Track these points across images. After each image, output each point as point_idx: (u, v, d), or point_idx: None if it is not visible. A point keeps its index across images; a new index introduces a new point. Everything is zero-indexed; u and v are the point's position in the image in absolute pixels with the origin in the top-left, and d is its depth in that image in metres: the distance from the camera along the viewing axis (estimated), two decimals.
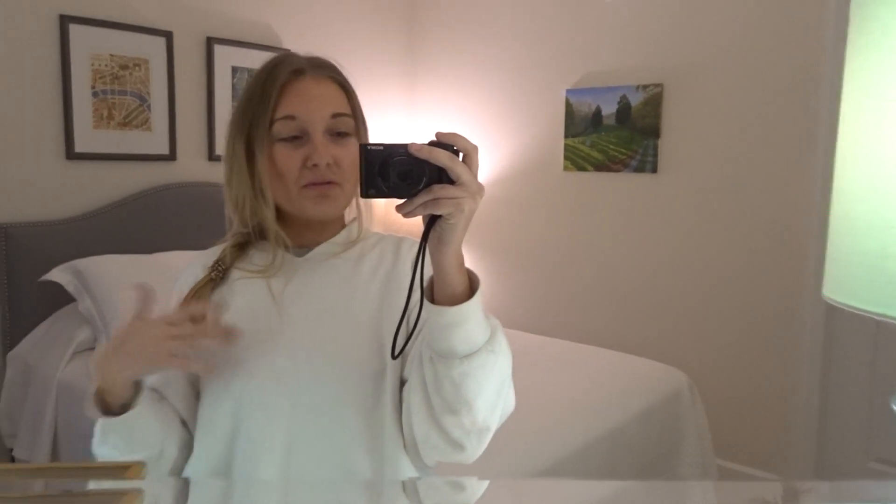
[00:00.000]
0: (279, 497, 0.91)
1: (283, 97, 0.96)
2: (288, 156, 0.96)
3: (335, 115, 0.98)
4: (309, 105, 0.96)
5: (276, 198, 0.99)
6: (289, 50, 1.05)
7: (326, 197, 0.97)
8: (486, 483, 0.81)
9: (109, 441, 0.93)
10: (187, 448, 1.00)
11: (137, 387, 0.92)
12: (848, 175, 0.62)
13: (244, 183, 0.99)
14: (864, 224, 0.58)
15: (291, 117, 0.96)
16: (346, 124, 0.99)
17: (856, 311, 0.58)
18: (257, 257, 1.04)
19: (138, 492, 0.56)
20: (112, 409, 0.91)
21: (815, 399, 2.65)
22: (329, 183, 0.97)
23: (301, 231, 1.04)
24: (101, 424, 0.91)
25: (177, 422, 0.99)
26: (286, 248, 1.03)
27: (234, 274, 1.04)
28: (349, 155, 0.98)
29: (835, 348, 2.61)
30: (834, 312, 2.56)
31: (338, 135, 0.98)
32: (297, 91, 0.97)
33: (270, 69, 0.98)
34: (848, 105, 0.63)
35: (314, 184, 0.96)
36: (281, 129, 0.96)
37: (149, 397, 0.94)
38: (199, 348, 0.87)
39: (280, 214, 1.02)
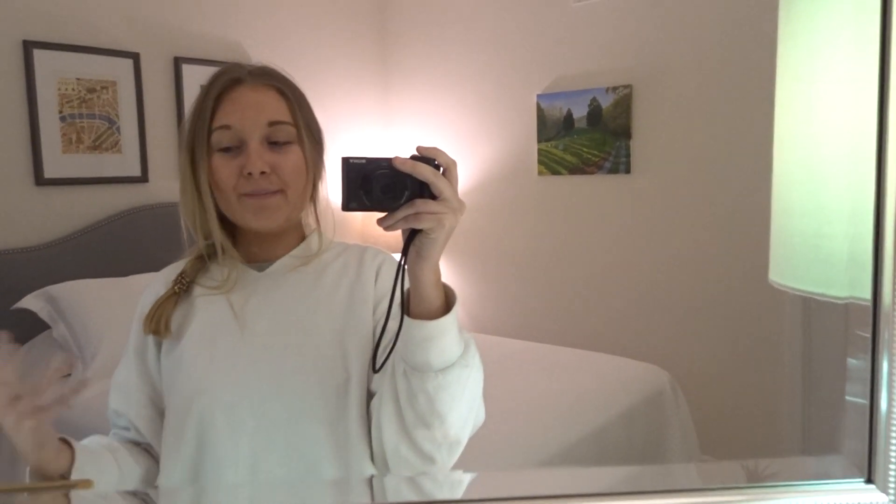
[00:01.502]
0: (246, 499, 0.90)
1: (220, 107, 0.95)
2: (224, 166, 0.95)
3: (272, 123, 0.96)
4: (244, 114, 0.95)
5: (221, 209, 0.98)
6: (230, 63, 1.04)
7: (265, 208, 0.95)
8: (468, 476, 0.81)
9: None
10: (151, 473, 0.99)
11: (71, 452, 0.90)
12: (784, 159, 0.63)
13: (191, 196, 0.98)
14: (799, 207, 0.59)
15: (227, 127, 0.95)
16: (285, 132, 0.97)
17: (797, 293, 0.59)
18: (217, 272, 1.03)
19: (88, 481, 0.56)
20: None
21: (798, 391, 2.67)
22: (272, 193, 0.96)
23: (259, 244, 1.03)
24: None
25: (128, 461, 0.98)
26: (245, 262, 1.02)
27: (196, 290, 1.03)
28: (289, 162, 0.96)
29: (814, 335, 2.63)
30: (811, 302, 2.58)
31: (275, 143, 0.97)
32: (233, 100, 0.96)
33: (212, 80, 0.98)
34: (781, 90, 0.64)
35: (251, 195, 0.95)
36: (218, 139, 0.95)
37: (90, 455, 0.92)
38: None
39: (236, 227, 1.01)
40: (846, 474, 0.53)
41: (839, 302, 0.54)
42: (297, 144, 0.98)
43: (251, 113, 0.95)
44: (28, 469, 0.87)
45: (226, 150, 0.96)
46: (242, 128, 0.95)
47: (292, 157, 0.97)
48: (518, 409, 2.08)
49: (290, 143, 0.98)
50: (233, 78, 0.97)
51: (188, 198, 0.99)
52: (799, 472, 0.64)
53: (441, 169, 0.75)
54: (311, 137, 1.01)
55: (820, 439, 2.60)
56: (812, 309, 2.56)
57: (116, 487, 0.94)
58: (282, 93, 0.99)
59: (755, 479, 0.71)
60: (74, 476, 0.87)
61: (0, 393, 0.81)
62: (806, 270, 0.58)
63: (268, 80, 0.99)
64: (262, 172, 0.94)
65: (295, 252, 1.04)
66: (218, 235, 0.98)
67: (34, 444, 0.84)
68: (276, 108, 0.98)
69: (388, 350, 0.86)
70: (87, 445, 0.94)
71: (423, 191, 0.74)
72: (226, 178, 0.95)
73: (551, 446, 1.96)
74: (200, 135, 0.95)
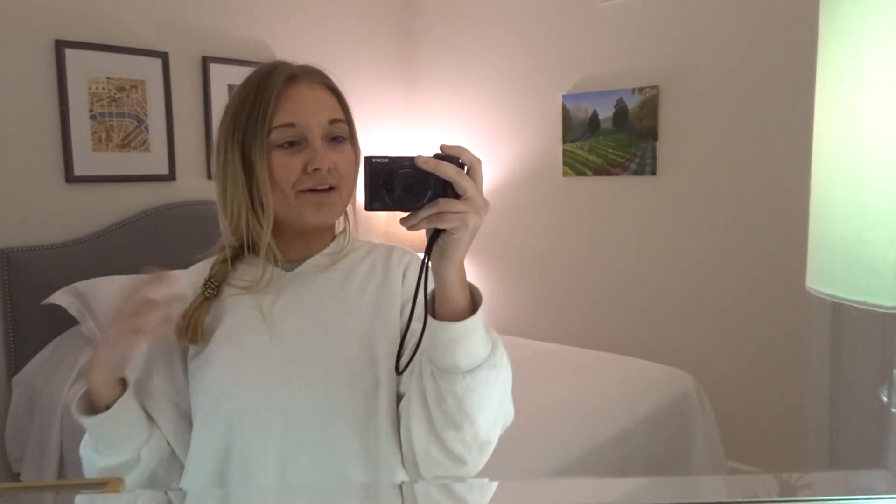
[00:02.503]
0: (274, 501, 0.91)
1: (280, 104, 0.95)
2: (287, 162, 0.95)
3: (332, 121, 0.98)
4: (307, 111, 0.96)
5: (273, 207, 0.97)
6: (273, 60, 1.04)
7: (325, 204, 0.97)
8: (494, 485, 0.81)
9: (92, 442, 0.95)
10: (167, 462, 0.99)
11: (124, 388, 0.94)
12: (824, 163, 0.61)
13: (241, 194, 0.97)
14: (841, 211, 0.57)
15: (291, 125, 0.95)
16: (342, 130, 0.99)
17: (837, 301, 0.57)
18: (247, 272, 1.03)
19: (119, 480, 0.57)
20: (99, 410, 0.92)
21: (825, 396, 2.62)
22: (329, 190, 0.96)
23: (291, 244, 1.02)
24: (87, 424, 0.93)
25: (158, 433, 0.99)
26: (275, 262, 1.02)
27: (226, 290, 1.03)
28: (345, 160, 0.98)
29: (843, 344, 2.58)
30: (840, 307, 2.54)
31: (334, 140, 0.98)
32: (294, 97, 0.96)
33: (263, 75, 0.98)
34: (822, 92, 0.62)
35: (314, 190, 0.96)
36: (280, 136, 0.95)
37: (135, 401, 0.95)
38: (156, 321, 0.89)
39: (272, 227, 1.00)
40: (891, 490, 0.51)
41: (883, 311, 0.53)
42: (350, 142, 1.00)
43: (313, 110, 0.96)
44: (79, 398, 0.93)
45: (285, 146, 0.96)
46: (306, 125, 0.96)
47: (347, 155, 0.99)
48: (541, 413, 2.06)
49: (345, 140, 1.00)
50: (289, 76, 0.97)
51: (235, 196, 0.98)
52: (838, 487, 0.62)
53: (465, 168, 0.74)
54: (355, 134, 1.03)
55: (849, 449, 2.55)
56: (842, 315, 2.52)
57: (138, 450, 0.95)
58: (333, 91, 1.01)
59: (788, 492, 0.69)
60: (117, 407, 0.92)
61: (136, 305, 0.87)
62: (847, 278, 0.56)
63: (319, 78, 1.01)
64: (328, 169, 0.95)
65: (325, 251, 1.04)
66: (267, 237, 0.98)
67: (121, 360, 0.91)
68: (332, 106, 1.00)
69: (411, 353, 0.86)
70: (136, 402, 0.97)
71: (447, 190, 0.73)
72: (288, 175, 0.95)
73: (574, 450, 1.95)
74: (258, 132, 0.95)
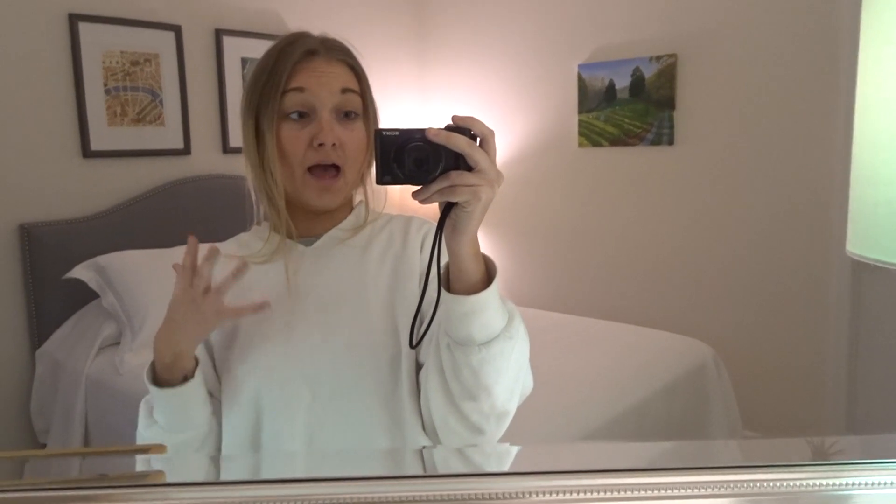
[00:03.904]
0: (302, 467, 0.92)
1: (294, 74, 0.95)
2: (294, 136, 0.95)
3: (344, 91, 0.97)
4: (319, 79, 0.95)
5: (283, 184, 0.98)
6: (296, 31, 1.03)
7: (328, 190, 0.97)
8: (515, 449, 0.81)
9: (160, 419, 0.94)
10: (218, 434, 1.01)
11: (195, 363, 0.94)
12: (868, 125, 0.60)
13: (255, 165, 0.98)
14: (887, 173, 0.56)
15: (300, 89, 0.94)
16: (354, 102, 0.98)
17: (883, 265, 0.57)
18: (257, 244, 1.04)
19: (161, 446, 0.58)
20: (174, 384, 0.92)
21: (843, 363, 2.61)
22: (333, 173, 0.96)
23: (309, 217, 1.03)
24: (157, 398, 0.92)
25: (215, 415, 0.99)
26: (292, 236, 1.02)
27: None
28: (354, 139, 0.97)
29: (862, 309, 2.57)
30: (860, 272, 2.52)
31: (345, 115, 0.97)
32: (309, 69, 0.96)
33: (283, 47, 0.97)
34: (866, 53, 0.61)
35: (318, 167, 0.95)
36: (290, 102, 0.95)
37: (200, 379, 0.95)
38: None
39: (287, 201, 1.00)
40: None
41: None
42: (363, 119, 0.99)
43: (325, 79, 0.96)
44: (148, 371, 0.93)
45: (294, 119, 0.95)
46: (317, 93, 0.95)
47: (357, 134, 0.98)
48: (559, 383, 2.07)
49: (357, 117, 0.98)
50: (308, 49, 0.97)
51: (251, 167, 0.99)
52: (869, 451, 0.62)
53: (478, 139, 0.73)
54: (373, 112, 1.02)
55: (868, 415, 2.55)
56: (862, 282, 2.50)
57: (208, 421, 0.97)
58: (352, 68, 1.00)
59: (821, 457, 0.69)
60: (193, 381, 0.92)
61: (197, 284, 0.89)
62: (892, 241, 0.56)
63: (340, 54, 0.99)
64: (332, 144, 0.94)
65: (343, 225, 1.05)
66: (283, 211, 0.98)
67: (202, 332, 0.91)
68: (347, 78, 0.99)
69: (426, 325, 0.86)
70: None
71: (459, 162, 0.72)
72: (295, 147, 0.95)
73: (592, 420, 1.96)
74: (271, 99, 0.95)
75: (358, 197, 1.07)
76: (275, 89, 0.95)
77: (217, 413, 0.99)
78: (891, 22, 0.57)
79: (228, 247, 1.07)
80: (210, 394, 1.00)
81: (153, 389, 0.92)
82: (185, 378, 0.92)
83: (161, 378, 0.92)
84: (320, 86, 0.95)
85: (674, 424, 2.24)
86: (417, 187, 0.73)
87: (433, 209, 0.73)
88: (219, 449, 1.00)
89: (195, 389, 0.93)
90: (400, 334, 0.96)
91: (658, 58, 2.95)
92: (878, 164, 0.59)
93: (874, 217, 0.58)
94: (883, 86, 0.58)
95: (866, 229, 0.60)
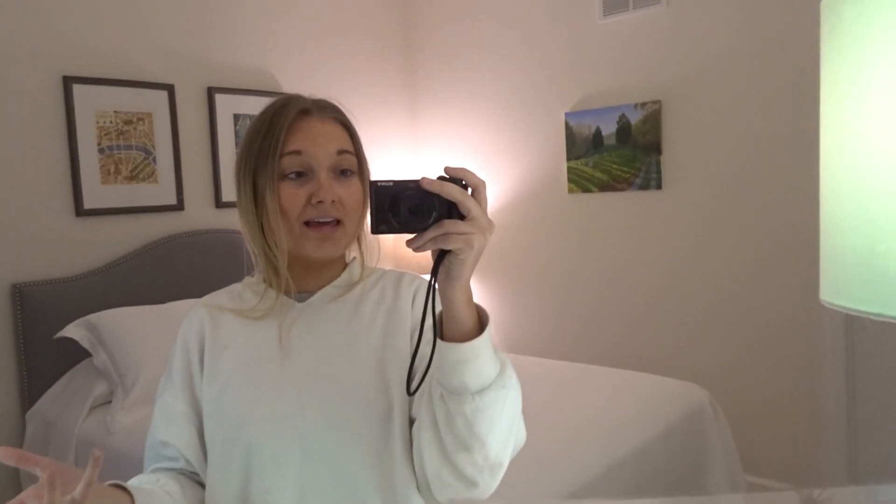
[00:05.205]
0: None
1: (290, 135, 0.97)
2: (293, 193, 0.96)
3: (340, 152, 0.99)
4: (315, 141, 0.97)
5: (280, 238, 0.98)
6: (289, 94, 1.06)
7: (328, 239, 0.98)
8: None
9: None
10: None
11: (130, 500, 0.86)
12: (832, 175, 0.62)
13: (253, 224, 0.99)
14: (851, 223, 0.58)
15: (298, 152, 0.96)
16: (350, 162, 1.00)
17: (852, 313, 0.57)
18: (253, 300, 1.05)
19: None
20: None
21: (843, 406, 2.60)
22: (333, 223, 0.97)
23: (303, 275, 1.04)
24: None
25: (183, 497, 0.96)
26: (287, 293, 1.03)
27: (232, 316, 1.04)
28: (352, 195, 0.99)
29: (858, 352, 2.56)
30: (854, 318, 2.52)
31: (341, 173, 0.99)
32: (304, 129, 0.98)
33: (277, 109, 0.99)
34: (827, 105, 0.63)
35: (318, 223, 0.97)
36: (287, 164, 0.96)
37: (146, 499, 0.88)
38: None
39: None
40: None
41: None
42: (357, 176, 1.01)
43: (322, 141, 0.98)
44: None
45: (292, 178, 0.97)
46: (313, 154, 0.97)
47: (353, 189, 1.00)
48: (556, 432, 2.05)
49: (353, 174, 1.01)
50: (301, 109, 0.99)
51: (249, 226, 1.00)
52: (860, 501, 0.61)
53: (469, 189, 0.75)
54: (366, 169, 1.04)
55: (868, 461, 2.52)
56: (855, 326, 2.51)
57: None
58: (344, 125, 1.03)
59: None
60: None
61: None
62: (860, 290, 0.57)
63: (332, 112, 1.02)
64: (332, 201, 0.96)
65: (337, 282, 1.06)
66: (284, 271, 0.99)
67: None
68: (342, 138, 1.01)
69: (422, 373, 0.86)
70: (142, 487, 0.91)
71: (452, 211, 0.74)
72: (293, 205, 0.96)
73: (590, 469, 1.93)
74: (268, 161, 0.96)
75: (351, 253, 1.09)
76: (272, 152, 0.96)
77: (183, 489, 0.97)
78: (847, 76, 0.59)
79: (221, 297, 1.08)
80: (187, 460, 0.99)
81: None
82: None
83: None
84: (316, 147, 0.97)
85: (673, 470, 2.21)
86: (411, 236, 0.75)
87: (426, 258, 0.74)
88: None
89: None
90: (391, 389, 0.96)
91: (643, 104, 3.01)
92: (843, 214, 0.60)
93: (843, 266, 0.59)
94: (843, 139, 0.60)
95: (836, 278, 0.61)
